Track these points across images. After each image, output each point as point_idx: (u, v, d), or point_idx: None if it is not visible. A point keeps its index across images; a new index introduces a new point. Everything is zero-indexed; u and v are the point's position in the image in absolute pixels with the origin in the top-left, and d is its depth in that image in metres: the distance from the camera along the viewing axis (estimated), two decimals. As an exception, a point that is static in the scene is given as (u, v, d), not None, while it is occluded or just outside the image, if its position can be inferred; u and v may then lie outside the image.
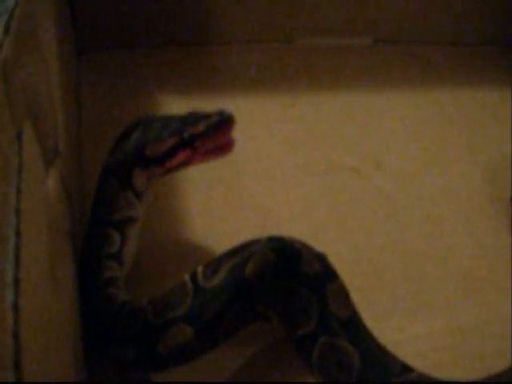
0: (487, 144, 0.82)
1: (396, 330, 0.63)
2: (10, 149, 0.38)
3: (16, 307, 0.32)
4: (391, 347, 0.56)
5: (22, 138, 0.40)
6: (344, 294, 0.57)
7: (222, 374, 0.58)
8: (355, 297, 0.57)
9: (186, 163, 0.57)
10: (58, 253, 0.46)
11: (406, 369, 0.55)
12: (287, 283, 0.56)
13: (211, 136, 0.55)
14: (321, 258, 0.57)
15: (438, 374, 0.56)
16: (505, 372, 0.57)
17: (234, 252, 0.55)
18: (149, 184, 0.59)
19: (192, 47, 0.80)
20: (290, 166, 0.73)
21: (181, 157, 0.56)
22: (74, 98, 0.70)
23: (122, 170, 0.57)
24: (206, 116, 0.56)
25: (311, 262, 0.56)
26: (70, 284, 0.51)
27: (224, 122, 0.55)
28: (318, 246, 0.58)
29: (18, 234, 0.35)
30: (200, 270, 0.54)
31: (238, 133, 0.72)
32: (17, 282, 0.33)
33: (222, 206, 0.67)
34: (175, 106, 0.74)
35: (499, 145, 0.82)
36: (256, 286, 0.54)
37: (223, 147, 0.57)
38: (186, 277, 0.54)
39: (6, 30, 0.40)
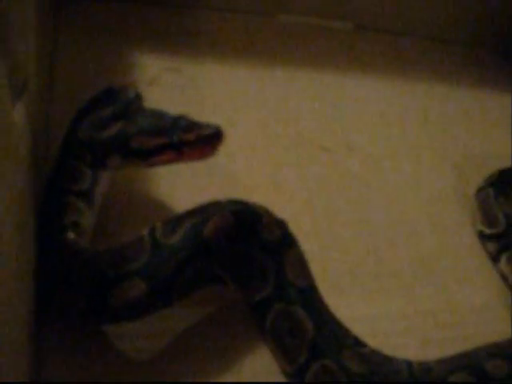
0: (458, 141, 0.83)
1: (352, 307, 0.63)
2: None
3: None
4: (346, 324, 0.56)
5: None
6: (302, 264, 0.57)
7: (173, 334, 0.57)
8: (314, 269, 0.57)
9: (165, 163, 0.57)
10: (16, 181, 0.45)
11: (359, 343, 0.55)
12: (246, 247, 0.55)
13: (198, 146, 0.56)
14: (281, 225, 0.57)
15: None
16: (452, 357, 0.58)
17: (195, 211, 0.55)
18: (121, 168, 0.59)
19: (175, 8, 0.79)
20: (261, 137, 0.73)
21: (165, 157, 0.57)
22: (50, 45, 0.68)
23: (99, 150, 0.56)
24: (197, 125, 0.56)
25: (271, 228, 0.56)
26: (30, 222, 0.50)
27: (214, 137, 0.56)
28: (283, 216, 0.57)
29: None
30: (159, 225, 0.53)
31: (209, 99, 0.73)
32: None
33: (189, 170, 0.66)
34: (150, 65, 0.74)
35: (468, 143, 0.83)
36: (214, 247, 0.54)
37: (203, 155, 0.57)
38: (145, 231, 0.53)
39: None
